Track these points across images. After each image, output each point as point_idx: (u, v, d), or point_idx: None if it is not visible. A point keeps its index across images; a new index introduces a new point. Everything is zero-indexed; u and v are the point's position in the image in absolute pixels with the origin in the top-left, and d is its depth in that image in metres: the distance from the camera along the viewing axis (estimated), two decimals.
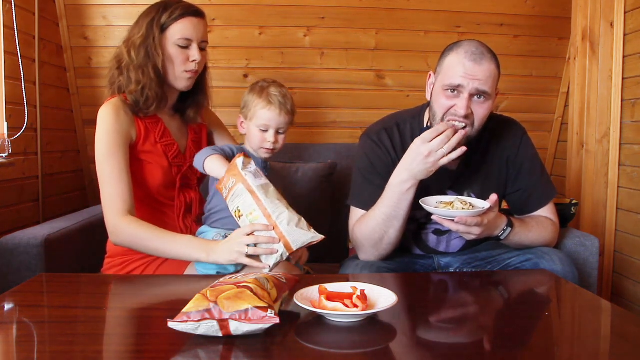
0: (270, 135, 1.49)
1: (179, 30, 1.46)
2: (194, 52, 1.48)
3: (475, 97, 1.36)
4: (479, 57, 1.35)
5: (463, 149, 1.30)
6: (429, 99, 1.48)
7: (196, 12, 1.49)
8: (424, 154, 1.31)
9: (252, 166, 1.34)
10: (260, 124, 1.48)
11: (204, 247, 1.32)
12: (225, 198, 1.33)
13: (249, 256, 1.26)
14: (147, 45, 1.45)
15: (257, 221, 1.26)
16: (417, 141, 1.33)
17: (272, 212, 1.26)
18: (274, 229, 1.25)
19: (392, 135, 1.54)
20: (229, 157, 1.48)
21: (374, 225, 1.42)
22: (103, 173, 1.41)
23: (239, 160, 1.33)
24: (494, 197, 1.34)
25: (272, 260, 1.26)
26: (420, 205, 1.48)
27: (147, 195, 1.51)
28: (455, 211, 1.29)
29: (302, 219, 1.29)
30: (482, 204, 1.33)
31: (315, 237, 1.26)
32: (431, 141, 1.30)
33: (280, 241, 1.25)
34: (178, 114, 1.61)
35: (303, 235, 1.25)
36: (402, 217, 1.40)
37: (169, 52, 1.47)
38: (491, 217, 1.34)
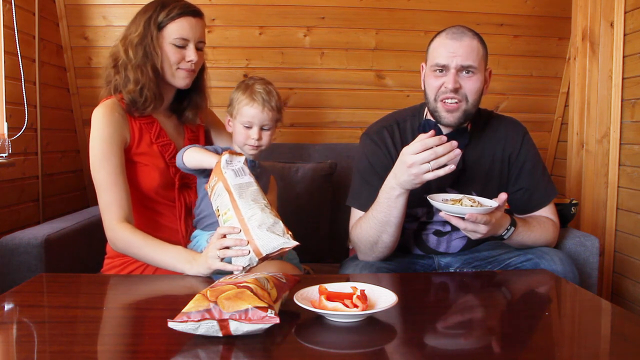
0: (254, 132, 1.47)
1: (176, 29, 1.45)
2: (190, 53, 1.47)
3: (463, 72, 1.40)
4: (459, 35, 1.40)
5: (452, 167, 1.24)
6: (423, 89, 1.49)
7: (194, 12, 1.48)
8: (407, 164, 1.26)
9: (238, 163, 1.29)
10: (244, 120, 1.47)
11: (189, 258, 1.30)
12: (209, 197, 1.30)
13: (222, 260, 1.22)
14: (145, 45, 1.44)
15: (230, 222, 1.21)
16: (405, 149, 1.29)
17: (245, 213, 1.19)
18: (245, 231, 1.18)
19: (392, 134, 1.54)
20: (215, 151, 1.46)
21: (367, 229, 1.42)
22: (99, 179, 1.40)
23: (223, 157, 1.29)
24: (503, 195, 1.33)
25: (240, 262, 1.19)
26: (422, 202, 1.48)
27: (145, 197, 1.50)
28: (465, 208, 1.27)
29: (279, 222, 1.20)
30: (490, 203, 1.32)
31: (287, 242, 1.16)
32: (417, 153, 1.25)
33: (248, 244, 1.17)
34: (175, 114, 1.60)
35: (273, 240, 1.16)
36: (394, 223, 1.38)
37: (166, 51, 1.46)
38: (498, 216, 1.34)
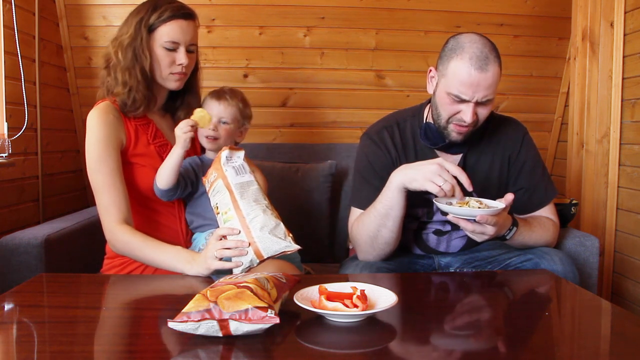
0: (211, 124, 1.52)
1: (166, 32, 1.44)
2: (181, 56, 1.46)
3: (481, 103, 1.37)
4: (484, 63, 1.32)
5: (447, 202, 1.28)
6: (430, 93, 1.48)
7: (185, 15, 1.46)
8: (436, 161, 1.28)
9: (238, 159, 1.30)
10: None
11: (188, 258, 1.31)
12: (207, 191, 1.30)
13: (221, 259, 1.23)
14: (134, 47, 1.43)
15: (230, 221, 1.21)
16: (441, 160, 1.30)
17: (247, 214, 1.20)
18: (247, 232, 1.19)
19: (392, 134, 1.54)
20: (185, 168, 1.48)
21: (368, 223, 1.43)
22: (96, 181, 1.40)
23: (223, 152, 1.29)
24: (510, 196, 1.32)
25: (242, 260, 1.20)
26: (422, 202, 1.49)
27: (144, 198, 1.50)
28: (474, 210, 1.25)
29: (280, 224, 1.21)
30: (495, 203, 1.31)
31: (289, 246, 1.18)
32: (447, 169, 1.27)
33: (249, 245, 1.18)
34: (169, 113, 1.60)
35: (276, 243, 1.18)
36: (393, 217, 1.38)
37: (156, 54, 1.45)
38: (504, 216, 1.33)
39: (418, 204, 1.51)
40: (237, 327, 0.89)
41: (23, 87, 1.97)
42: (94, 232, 1.74)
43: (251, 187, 1.25)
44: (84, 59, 2.37)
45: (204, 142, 1.54)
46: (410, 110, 1.61)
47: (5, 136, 1.89)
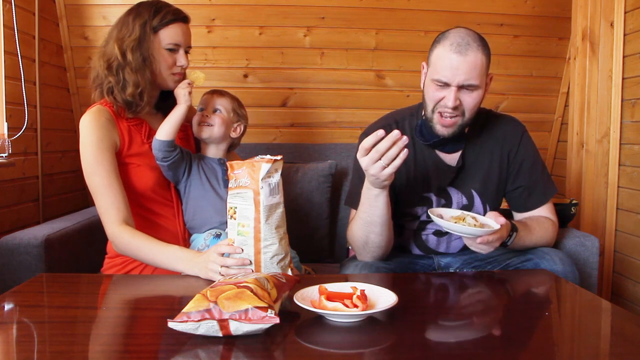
0: (204, 112, 1.57)
1: (169, 35, 1.48)
2: (181, 58, 1.51)
3: (464, 89, 1.38)
4: (463, 49, 1.35)
5: (405, 153, 1.22)
6: (422, 89, 1.49)
7: (185, 18, 1.52)
8: (364, 167, 1.27)
9: (276, 175, 1.24)
10: (198, 105, 1.61)
11: (188, 258, 1.31)
12: (228, 182, 1.28)
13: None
14: (143, 49, 1.46)
15: (243, 237, 1.22)
16: (357, 154, 1.28)
17: (264, 238, 1.21)
18: (256, 252, 1.21)
19: None
20: (186, 150, 1.52)
21: (356, 230, 1.43)
22: (94, 184, 1.41)
23: (265, 165, 1.21)
24: (501, 219, 1.34)
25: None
26: (422, 202, 1.49)
27: (142, 198, 1.50)
28: (477, 230, 1.28)
29: (289, 255, 1.26)
30: (488, 221, 1.34)
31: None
32: (364, 157, 1.25)
33: (251, 264, 1.21)
34: (160, 112, 1.61)
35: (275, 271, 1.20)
36: (378, 223, 1.38)
37: (159, 55, 1.48)
38: (504, 231, 1.36)
39: (417, 203, 1.51)
40: (237, 327, 0.89)
41: (23, 87, 1.97)
42: (94, 232, 1.75)
43: (277, 210, 1.24)
44: (84, 59, 2.37)
45: (197, 130, 1.55)
46: (408, 110, 1.61)
47: (5, 136, 1.89)
